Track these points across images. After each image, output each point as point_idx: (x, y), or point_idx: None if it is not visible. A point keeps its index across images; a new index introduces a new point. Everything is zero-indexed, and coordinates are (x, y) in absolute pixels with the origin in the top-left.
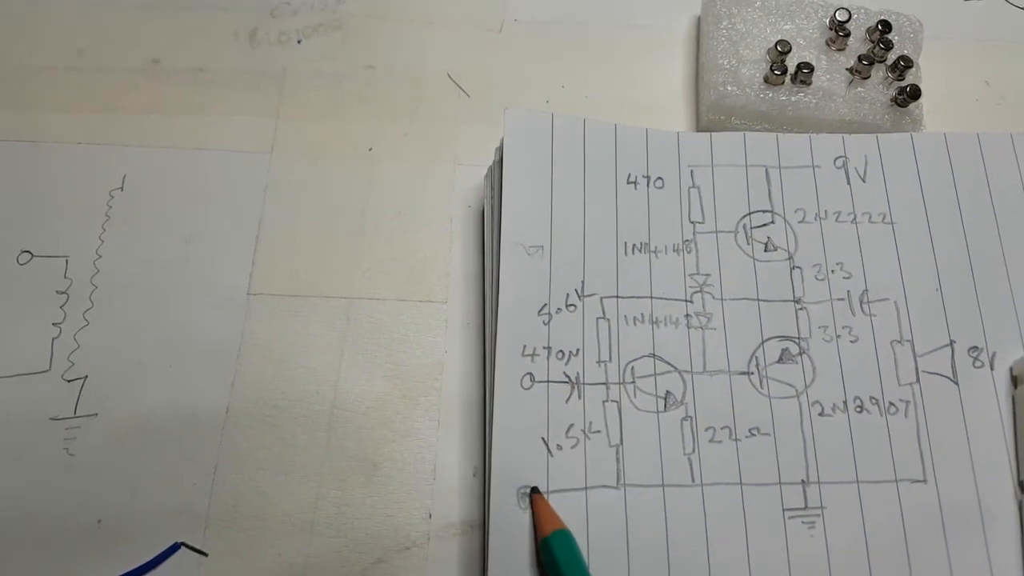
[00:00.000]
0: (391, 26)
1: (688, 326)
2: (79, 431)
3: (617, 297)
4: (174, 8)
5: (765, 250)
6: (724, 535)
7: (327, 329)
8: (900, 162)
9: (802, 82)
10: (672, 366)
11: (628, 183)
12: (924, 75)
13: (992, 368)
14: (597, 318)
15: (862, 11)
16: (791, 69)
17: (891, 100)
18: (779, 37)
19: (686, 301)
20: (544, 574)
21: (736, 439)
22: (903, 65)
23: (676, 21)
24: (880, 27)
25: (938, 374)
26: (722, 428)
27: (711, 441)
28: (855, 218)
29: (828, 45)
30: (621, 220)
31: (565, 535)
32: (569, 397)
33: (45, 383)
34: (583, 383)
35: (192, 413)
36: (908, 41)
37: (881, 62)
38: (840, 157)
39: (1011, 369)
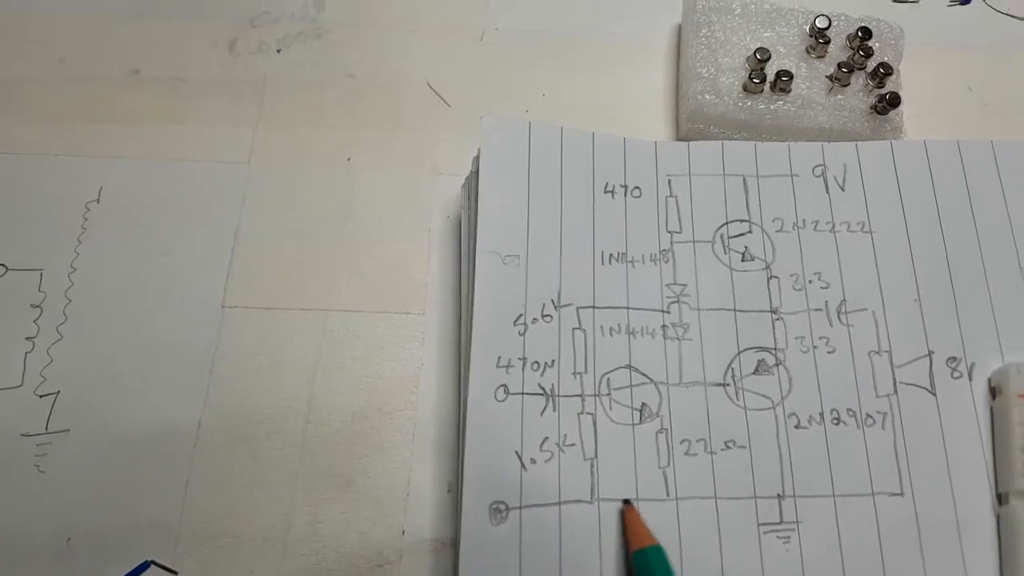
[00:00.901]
0: (372, 34)
1: (665, 337)
2: (50, 447)
3: (593, 307)
4: (154, 18)
5: (742, 260)
6: (698, 550)
7: (302, 342)
8: (879, 170)
9: (781, 90)
10: (648, 378)
11: (605, 192)
12: (905, 82)
13: (971, 379)
14: (573, 329)
15: (842, 18)
16: (770, 77)
17: (871, 108)
18: (759, 45)
19: (663, 312)
20: None
21: (711, 452)
22: (883, 72)
23: (657, 29)
24: (860, 34)
25: (916, 385)
26: (697, 441)
27: (686, 454)
28: (833, 227)
29: (808, 52)
30: (598, 229)
31: (660, 551)
32: (544, 409)
33: (17, 399)
34: (558, 395)
35: (164, 428)
36: (889, 48)
37: (861, 69)
38: (819, 165)
39: (989, 380)
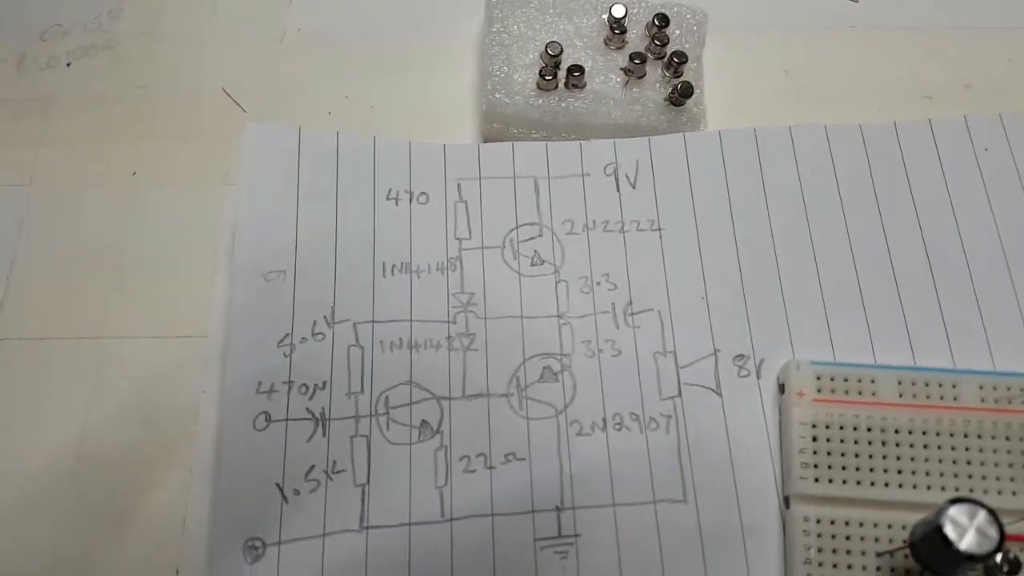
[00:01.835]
0: (166, 44)
1: (450, 348)
2: None
3: (373, 322)
4: None
5: (532, 264)
6: (471, 571)
7: (75, 374)
8: (671, 164)
9: (574, 86)
10: (430, 392)
11: (388, 199)
12: (715, 69)
13: (759, 376)
14: (349, 346)
15: (643, 4)
16: (563, 73)
17: (666, 99)
18: (553, 39)
19: (449, 322)
20: None
21: (491, 467)
22: (677, 61)
23: (466, 27)
24: (656, 21)
25: (700, 385)
26: (477, 456)
27: (465, 471)
28: (623, 226)
29: (606, 44)
30: (379, 239)
31: None
32: (312, 436)
33: None
34: (329, 419)
35: None
36: (689, 35)
37: (659, 59)
38: (610, 164)
39: (778, 377)
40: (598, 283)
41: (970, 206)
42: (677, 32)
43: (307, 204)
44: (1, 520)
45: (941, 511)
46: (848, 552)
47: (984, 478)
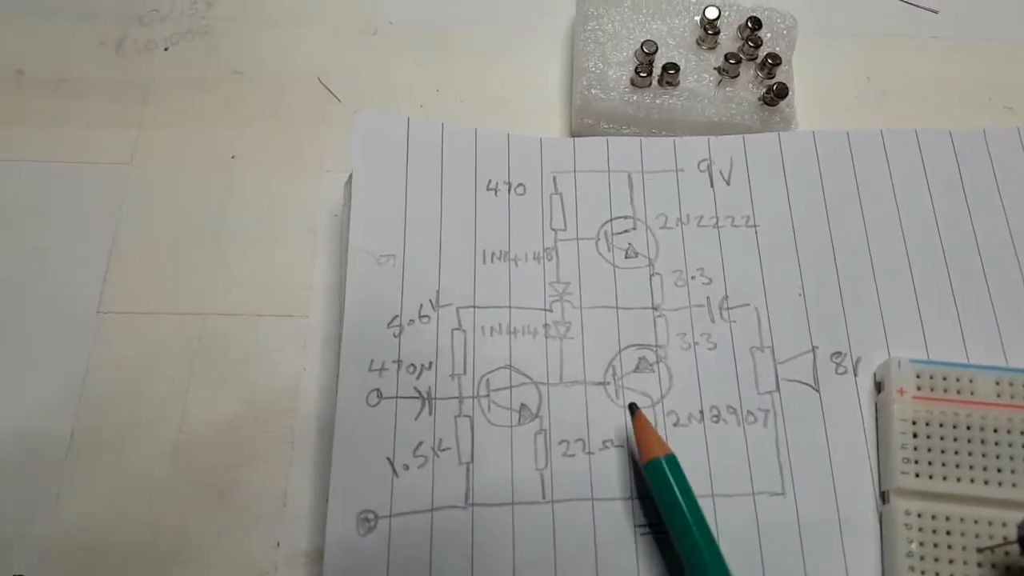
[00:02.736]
0: (261, 30)
1: (546, 336)
2: None
3: (474, 307)
4: (40, 17)
5: (626, 257)
6: (573, 553)
7: (178, 348)
8: (766, 163)
9: (668, 83)
10: (528, 377)
11: (488, 190)
12: (802, 72)
13: (856, 374)
14: (452, 329)
15: (734, 8)
16: (658, 70)
17: (760, 99)
18: (648, 37)
19: (545, 310)
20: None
21: (589, 452)
22: (771, 63)
23: (554, 22)
24: (750, 24)
25: (798, 381)
26: (576, 441)
27: (564, 455)
28: (718, 222)
29: (699, 45)
30: (480, 228)
31: (674, 459)
32: (419, 413)
33: None
34: (435, 398)
35: (35, 438)
36: (780, 38)
37: (752, 60)
38: (704, 160)
39: (875, 374)
40: (692, 277)
41: None
42: (768, 35)
43: (415, 191)
44: (104, 491)
45: None
46: (949, 547)
47: None
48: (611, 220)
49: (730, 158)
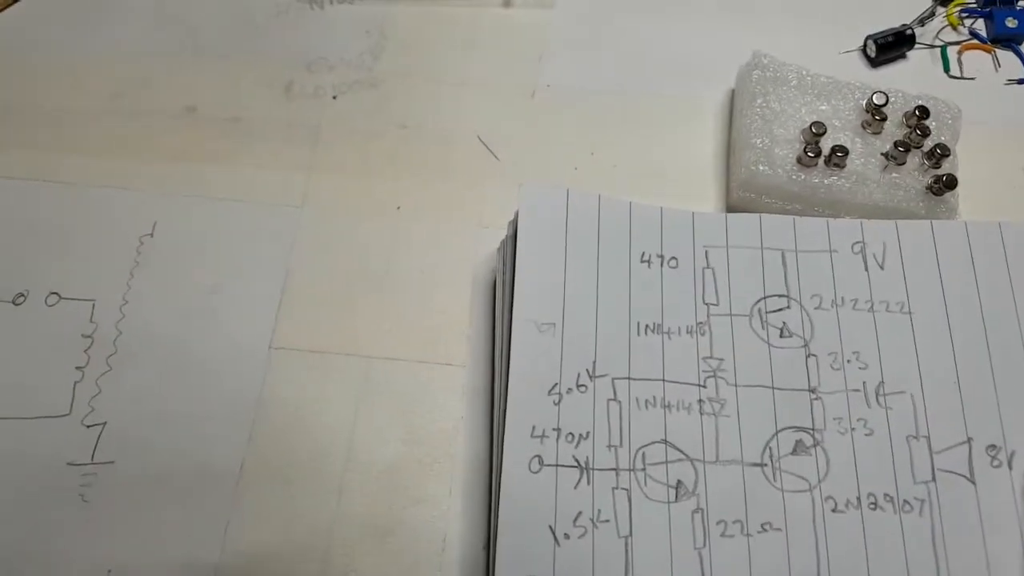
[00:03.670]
0: (426, 87)
1: (701, 412)
2: (95, 478)
3: (629, 379)
4: (212, 57)
5: (780, 336)
6: None
7: (345, 387)
8: (919, 250)
9: (836, 165)
10: (684, 454)
11: (642, 262)
12: (961, 160)
13: (1011, 468)
14: (608, 400)
15: (900, 95)
16: (825, 151)
17: (926, 188)
18: (814, 118)
19: (699, 386)
20: None
21: (747, 534)
22: (940, 153)
23: (710, 93)
24: (917, 112)
25: (954, 472)
26: (734, 522)
27: (723, 536)
28: (872, 306)
29: (864, 128)
30: (634, 299)
31: None
32: (578, 483)
33: (65, 427)
34: (592, 468)
35: (208, 466)
36: (946, 128)
37: (918, 148)
38: (858, 243)
39: None
40: (848, 360)
41: None
42: (935, 124)
43: (573, 260)
44: (272, 522)
45: None
46: None
47: None
48: (765, 298)
49: (883, 243)
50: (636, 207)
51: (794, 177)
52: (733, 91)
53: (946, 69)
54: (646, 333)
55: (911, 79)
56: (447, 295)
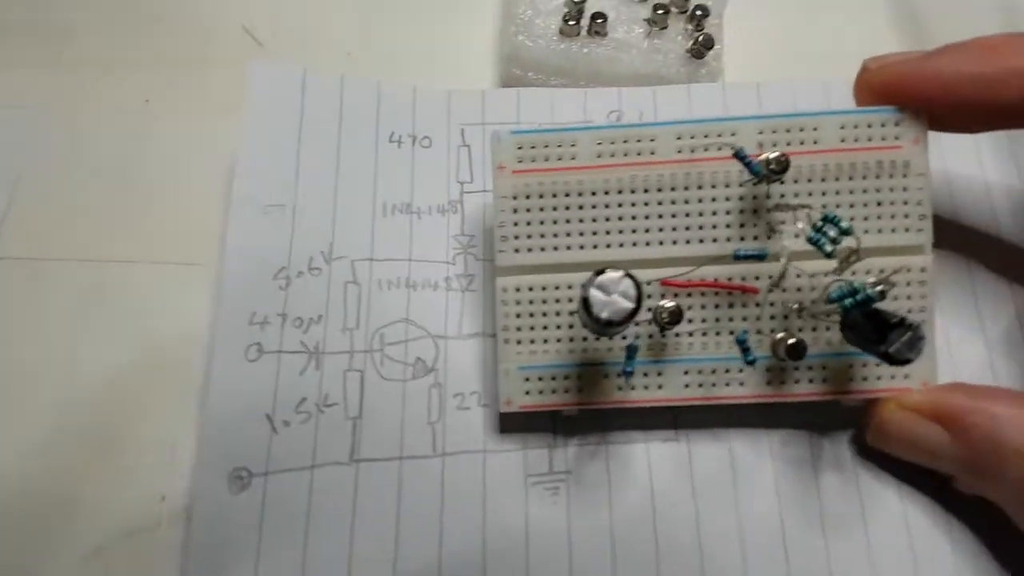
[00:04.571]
0: None
1: (448, 289)
2: None
3: (371, 260)
4: None
5: None
6: (461, 505)
7: (74, 295)
8: (675, 114)
9: (597, 33)
10: (426, 331)
11: (391, 142)
12: (734, 25)
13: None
14: (346, 282)
15: None
16: (587, 19)
17: (687, 52)
18: None
19: (448, 263)
20: None
21: (484, 405)
22: (700, 14)
23: None
24: None
25: None
26: (472, 394)
27: (459, 408)
28: None
29: None
30: (381, 180)
31: None
32: (305, 369)
33: None
34: (323, 352)
35: None
36: None
37: (682, 12)
38: (614, 111)
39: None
40: None
41: None
42: None
43: (309, 142)
44: None
45: (588, 282)
46: (544, 315)
47: (674, 230)
48: None
49: (640, 110)
50: (386, 87)
51: (555, 48)
52: None
53: None
54: (393, 213)
55: None
56: (196, 192)
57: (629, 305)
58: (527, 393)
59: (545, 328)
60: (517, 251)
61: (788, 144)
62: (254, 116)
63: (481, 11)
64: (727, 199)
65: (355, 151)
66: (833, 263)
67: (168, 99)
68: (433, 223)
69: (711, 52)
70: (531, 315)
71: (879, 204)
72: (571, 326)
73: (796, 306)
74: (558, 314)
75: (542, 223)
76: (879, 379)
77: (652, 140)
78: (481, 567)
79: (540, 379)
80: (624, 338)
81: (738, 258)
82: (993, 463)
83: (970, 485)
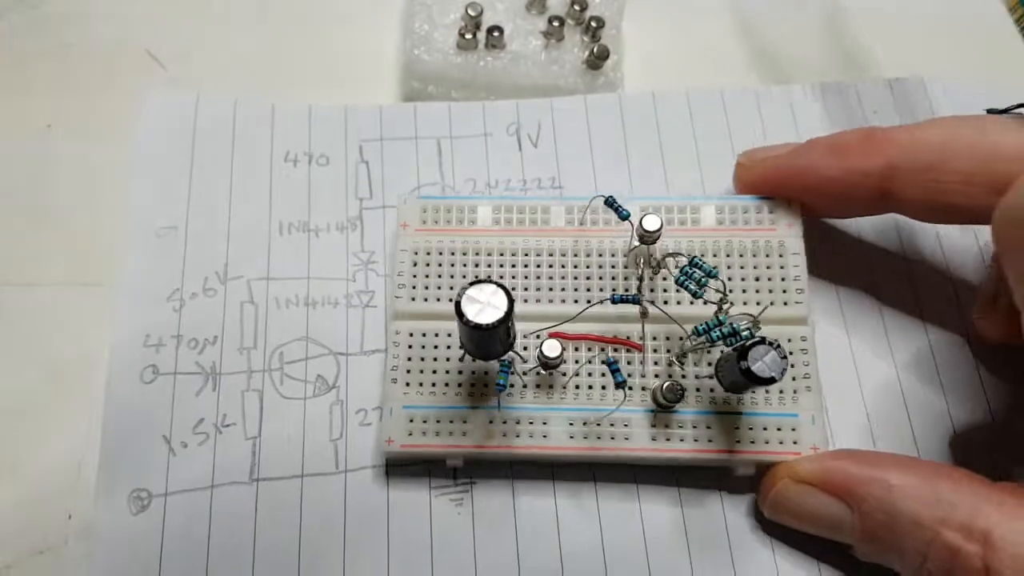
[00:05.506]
0: (92, 5)
1: (348, 305)
2: None
3: (268, 279)
4: None
5: None
6: (366, 520)
7: None
8: (573, 125)
9: (494, 46)
10: (327, 348)
11: (286, 161)
12: (635, 35)
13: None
14: (242, 302)
15: None
16: (484, 33)
17: (583, 62)
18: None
19: (347, 280)
20: None
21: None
22: (595, 25)
23: None
24: None
25: None
26: (374, 409)
27: (361, 424)
28: (524, 184)
29: (527, 9)
30: (276, 199)
31: None
32: (201, 389)
33: None
34: (220, 373)
35: None
36: (609, 3)
37: (578, 24)
38: (513, 124)
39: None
40: None
41: None
42: (598, 1)
43: (202, 165)
44: None
45: (461, 290)
46: (435, 359)
47: (563, 289)
48: (419, 187)
49: (538, 121)
50: (280, 107)
51: (452, 61)
52: None
53: None
54: (290, 232)
55: None
56: (97, 215)
57: (499, 313)
58: (410, 434)
59: (434, 372)
60: (413, 299)
61: (670, 223)
62: (147, 142)
63: (385, 27)
64: (612, 266)
65: (249, 172)
66: (711, 310)
67: (70, 123)
68: (332, 240)
69: (608, 62)
70: (422, 359)
71: (757, 279)
72: (460, 371)
73: (677, 352)
74: (448, 359)
75: (439, 276)
76: (767, 443)
77: (546, 212)
78: None
79: (424, 420)
80: (504, 362)
81: (615, 302)
82: (890, 534)
83: (868, 555)
